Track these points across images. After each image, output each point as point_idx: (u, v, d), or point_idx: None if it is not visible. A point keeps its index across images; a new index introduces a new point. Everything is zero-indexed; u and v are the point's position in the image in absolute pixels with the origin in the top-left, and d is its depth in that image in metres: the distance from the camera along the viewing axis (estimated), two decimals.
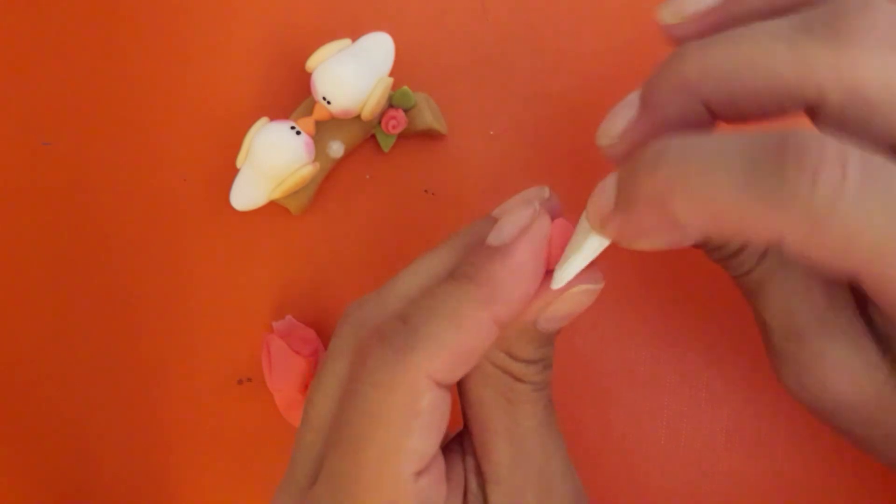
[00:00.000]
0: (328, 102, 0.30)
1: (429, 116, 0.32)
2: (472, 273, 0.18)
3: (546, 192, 0.21)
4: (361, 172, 0.33)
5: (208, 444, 0.32)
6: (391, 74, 0.31)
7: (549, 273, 0.19)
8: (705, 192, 0.15)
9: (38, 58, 0.35)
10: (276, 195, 0.30)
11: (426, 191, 0.33)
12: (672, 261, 0.31)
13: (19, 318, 0.34)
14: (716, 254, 0.20)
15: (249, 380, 0.32)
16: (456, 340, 0.17)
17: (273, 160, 0.29)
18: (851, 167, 0.14)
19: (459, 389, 0.21)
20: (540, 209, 0.19)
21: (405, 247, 0.32)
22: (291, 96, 0.33)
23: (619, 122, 0.20)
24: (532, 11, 0.33)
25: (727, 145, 0.15)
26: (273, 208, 0.32)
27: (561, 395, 0.29)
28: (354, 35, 0.31)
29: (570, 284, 0.19)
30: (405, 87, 0.31)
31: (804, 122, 0.18)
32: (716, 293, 0.30)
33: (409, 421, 0.17)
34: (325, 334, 0.32)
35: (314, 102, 0.30)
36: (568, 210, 0.21)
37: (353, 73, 0.30)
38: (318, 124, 0.31)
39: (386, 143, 0.32)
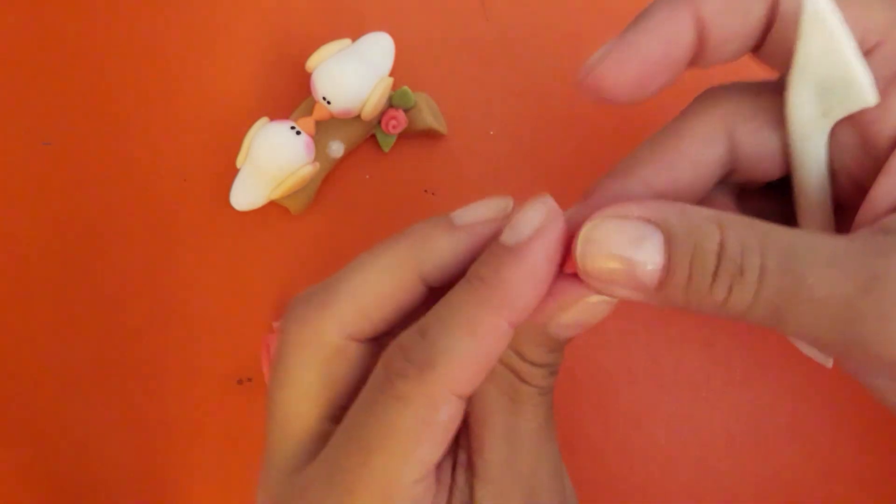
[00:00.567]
0: (328, 102, 0.30)
1: (429, 116, 0.32)
2: (485, 274, 0.18)
3: (510, 204, 0.20)
4: (361, 172, 0.33)
5: (208, 444, 0.32)
6: (391, 74, 0.31)
7: (560, 274, 0.19)
8: None
9: (38, 58, 0.35)
10: (276, 195, 0.30)
11: (426, 191, 0.33)
12: None
13: (19, 317, 0.34)
14: None
15: (249, 380, 0.32)
16: (474, 350, 0.18)
17: (273, 160, 0.29)
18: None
19: None
20: (554, 208, 0.18)
21: None
22: (291, 96, 0.33)
23: (600, 51, 0.20)
24: (532, 11, 0.33)
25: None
26: (273, 208, 0.32)
27: (561, 395, 0.29)
28: (354, 35, 0.31)
29: (581, 293, 0.19)
30: (405, 87, 0.31)
31: None
32: None
33: (423, 432, 0.17)
34: None
35: (314, 102, 0.30)
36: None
37: (353, 73, 0.30)
38: (318, 124, 0.31)
39: (386, 143, 0.32)
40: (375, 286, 0.19)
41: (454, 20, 0.33)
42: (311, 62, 0.30)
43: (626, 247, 0.17)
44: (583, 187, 0.21)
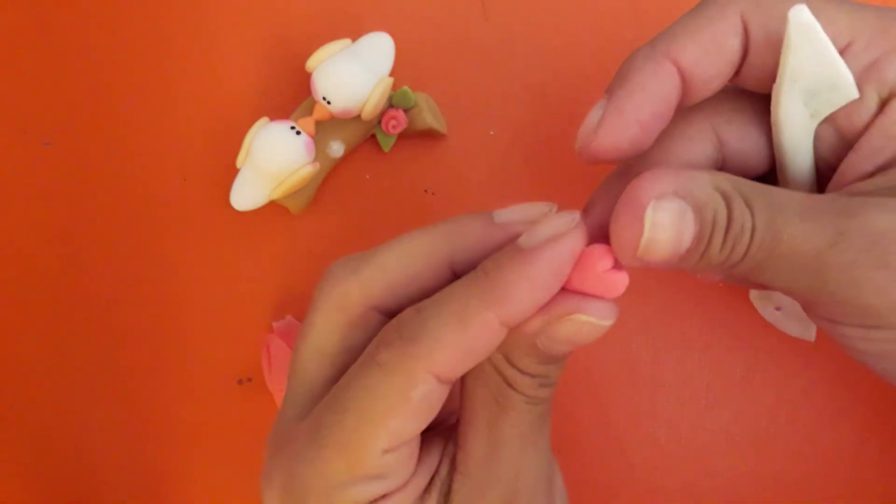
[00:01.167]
0: (328, 102, 0.30)
1: (429, 116, 0.32)
2: (490, 269, 0.18)
3: (554, 209, 0.21)
4: (361, 172, 0.33)
5: (208, 444, 0.32)
6: (391, 74, 0.31)
7: (563, 290, 0.19)
8: None
9: (38, 58, 0.35)
10: (276, 195, 0.30)
11: (426, 191, 0.33)
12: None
13: (19, 317, 0.34)
14: None
15: (249, 380, 0.32)
16: (459, 339, 0.18)
17: (273, 160, 0.29)
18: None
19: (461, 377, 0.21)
20: (580, 223, 0.18)
21: None
22: (291, 96, 0.33)
23: (592, 118, 0.21)
24: (532, 11, 0.33)
25: None
26: (273, 208, 0.32)
27: (561, 395, 0.29)
28: (354, 35, 0.31)
29: (571, 308, 0.19)
30: (405, 87, 0.31)
31: None
32: (716, 294, 0.30)
33: (397, 404, 0.18)
34: None
35: (314, 102, 0.30)
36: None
37: (353, 73, 0.30)
38: (318, 124, 0.31)
39: (386, 143, 0.32)
40: (406, 264, 0.20)
41: (454, 20, 0.33)
42: (311, 62, 0.30)
43: (677, 222, 0.18)
44: (583, 187, 0.21)
